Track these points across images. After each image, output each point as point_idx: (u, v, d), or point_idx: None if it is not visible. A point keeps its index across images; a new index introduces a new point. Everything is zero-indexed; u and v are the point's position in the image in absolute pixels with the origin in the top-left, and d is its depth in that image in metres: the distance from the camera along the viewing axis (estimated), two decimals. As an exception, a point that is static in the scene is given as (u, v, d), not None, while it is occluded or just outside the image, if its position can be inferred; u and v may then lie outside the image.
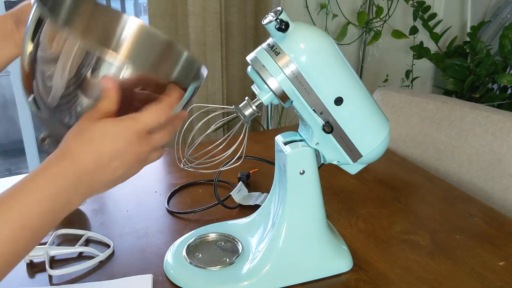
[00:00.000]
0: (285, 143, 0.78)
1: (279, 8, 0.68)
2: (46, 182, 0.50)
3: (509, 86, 2.06)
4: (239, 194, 1.00)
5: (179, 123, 0.59)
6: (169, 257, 0.83)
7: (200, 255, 0.83)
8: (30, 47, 0.57)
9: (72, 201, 0.52)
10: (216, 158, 0.75)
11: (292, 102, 0.72)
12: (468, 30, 2.24)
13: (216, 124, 0.81)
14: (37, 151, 2.12)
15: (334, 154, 0.77)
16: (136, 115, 0.54)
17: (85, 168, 0.52)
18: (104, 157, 0.52)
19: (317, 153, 0.77)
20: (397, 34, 2.08)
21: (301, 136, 0.79)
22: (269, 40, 0.71)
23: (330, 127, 0.73)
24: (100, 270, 0.82)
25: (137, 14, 3.40)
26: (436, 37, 2.10)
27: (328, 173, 0.95)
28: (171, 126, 0.58)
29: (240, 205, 1.00)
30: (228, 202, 1.00)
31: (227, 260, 0.81)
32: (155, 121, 0.55)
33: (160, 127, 0.56)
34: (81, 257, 0.85)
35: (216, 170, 0.80)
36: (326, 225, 0.82)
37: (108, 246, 0.87)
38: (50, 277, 0.80)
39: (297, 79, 0.70)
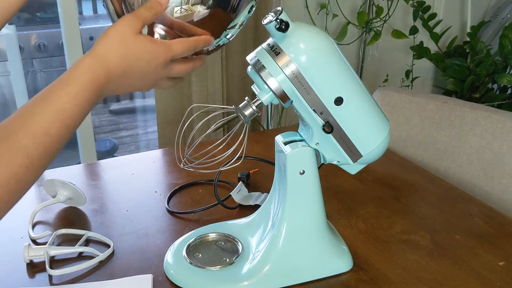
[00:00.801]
0: (285, 143, 0.78)
1: (279, 8, 0.68)
2: (83, 90, 0.57)
3: (509, 86, 2.06)
4: (239, 194, 1.00)
5: (199, 64, 0.67)
6: (169, 257, 0.83)
7: (200, 255, 0.83)
8: None
9: (98, 98, 0.60)
10: (216, 158, 0.75)
11: (292, 102, 0.72)
12: (468, 30, 2.24)
13: (216, 124, 0.81)
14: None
15: (334, 154, 0.77)
16: (169, 43, 0.62)
17: (115, 75, 0.59)
18: (132, 69, 0.60)
19: (317, 153, 0.77)
20: (397, 34, 2.08)
21: (301, 136, 0.79)
22: (269, 40, 0.71)
23: (330, 127, 0.73)
24: (100, 270, 0.82)
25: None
26: (436, 37, 2.10)
27: (328, 173, 0.95)
28: (192, 64, 0.66)
29: (240, 205, 1.00)
30: (228, 202, 1.00)
31: (227, 260, 0.81)
32: (181, 53, 0.63)
33: (183, 61, 0.66)
34: (81, 257, 0.85)
35: (216, 170, 0.80)
36: (326, 225, 0.82)
37: (108, 246, 0.87)
38: (50, 277, 0.80)
39: (297, 79, 0.70)
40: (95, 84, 0.58)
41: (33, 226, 0.94)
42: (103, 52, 0.59)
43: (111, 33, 0.60)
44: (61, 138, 0.55)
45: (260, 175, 1.12)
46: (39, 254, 0.82)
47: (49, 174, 1.08)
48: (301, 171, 0.76)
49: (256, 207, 0.95)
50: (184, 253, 0.82)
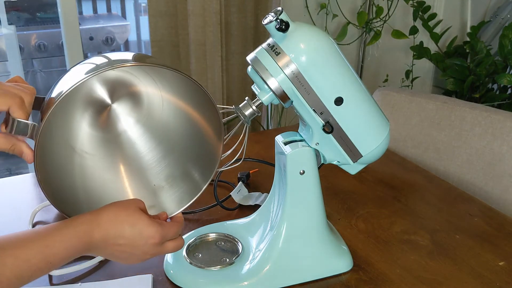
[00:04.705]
0: (285, 143, 0.78)
1: (279, 8, 0.68)
2: (75, 236, 0.60)
3: (509, 86, 2.05)
4: (239, 194, 1.00)
5: (182, 243, 0.70)
6: (169, 257, 0.83)
7: (200, 255, 0.83)
8: None
9: (85, 251, 0.62)
10: (216, 158, 0.75)
11: (292, 102, 0.72)
12: (468, 30, 2.24)
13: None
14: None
15: (334, 154, 0.77)
16: (165, 227, 0.66)
17: (106, 239, 0.62)
18: (123, 240, 0.63)
19: (317, 153, 0.77)
20: (397, 34, 2.08)
21: (301, 136, 0.79)
22: (269, 40, 0.71)
23: (330, 127, 0.73)
24: (100, 270, 0.82)
25: (137, 14, 3.39)
26: (436, 37, 2.09)
27: (328, 173, 0.95)
28: (182, 241, 0.69)
29: (240, 205, 1.00)
30: (228, 202, 1.00)
31: (227, 260, 0.81)
32: (173, 236, 0.67)
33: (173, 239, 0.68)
34: (81, 257, 0.84)
35: (216, 170, 0.80)
36: (326, 225, 0.82)
37: (108, 246, 0.86)
38: (50, 277, 0.80)
39: (297, 79, 0.70)
40: (88, 237, 0.61)
41: (33, 226, 0.94)
42: (103, 213, 0.63)
43: (116, 202, 0.65)
44: (38, 270, 0.58)
45: (260, 175, 1.12)
46: (39, 254, 0.82)
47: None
48: (301, 171, 0.76)
49: (256, 207, 0.95)
50: (184, 253, 0.82)
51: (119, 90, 0.72)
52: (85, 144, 0.72)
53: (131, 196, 0.76)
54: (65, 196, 0.69)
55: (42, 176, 0.63)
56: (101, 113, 0.72)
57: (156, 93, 0.74)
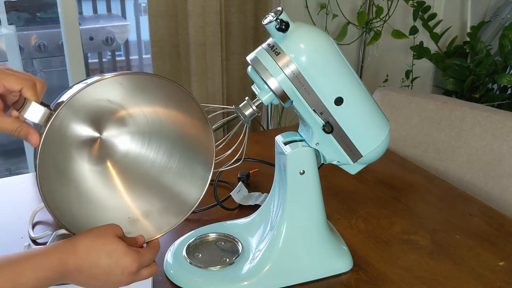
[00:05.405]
0: (285, 143, 0.78)
1: (279, 8, 0.68)
2: (48, 266, 0.59)
3: (509, 86, 2.05)
4: (239, 194, 1.00)
5: (156, 270, 0.69)
6: (169, 257, 0.83)
7: (200, 255, 0.83)
8: None
9: (59, 280, 0.61)
10: (216, 158, 0.75)
11: (292, 102, 0.72)
12: (468, 30, 2.24)
13: (216, 124, 0.81)
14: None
15: (334, 154, 0.77)
16: (142, 254, 0.65)
17: (81, 269, 0.61)
18: (99, 269, 0.62)
19: (317, 153, 0.77)
20: (397, 34, 2.08)
21: (301, 136, 0.79)
22: (269, 40, 0.71)
23: (330, 127, 0.73)
24: (100, 270, 0.82)
25: (137, 14, 3.39)
26: (436, 37, 2.09)
27: (328, 173, 0.95)
28: (155, 267, 0.69)
29: (240, 205, 1.00)
30: (228, 202, 1.00)
31: (227, 260, 0.81)
32: (149, 262, 0.67)
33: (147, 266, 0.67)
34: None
35: (216, 170, 0.80)
36: (326, 225, 0.82)
37: (108, 246, 0.86)
38: (50, 277, 0.80)
39: (297, 79, 0.70)
40: (62, 267, 0.60)
41: (33, 226, 0.94)
42: (79, 240, 0.62)
43: (94, 229, 0.64)
44: None
45: (260, 175, 1.12)
46: (39, 254, 0.82)
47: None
48: (301, 171, 0.76)
49: (256, 207, 0.95)
50: (184, 253, 0.82)
51: (101, 120, 0.70)
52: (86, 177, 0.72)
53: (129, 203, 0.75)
54: (60, 197, 0.68)
55: (41, 173, 0.62)
56: (94, 146, 0.70)
57: (137, 110, 0.72)
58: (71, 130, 0.67)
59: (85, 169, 0.70)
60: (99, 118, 0.69)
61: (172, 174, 0.75)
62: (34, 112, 0.60)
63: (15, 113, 0.61)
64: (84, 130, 0.69)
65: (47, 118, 0.60)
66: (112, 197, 0.73)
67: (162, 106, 0.73)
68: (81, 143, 0.69)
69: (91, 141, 0.70)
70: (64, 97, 0.62)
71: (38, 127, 0.62)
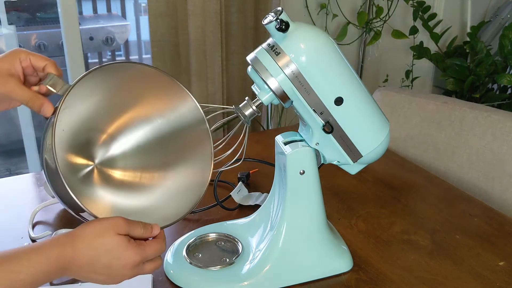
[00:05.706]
0: (285, 143, 0.78)
1: (279, 8, 0.68)
2: (45, 262, 0.58)
3: (509, 86, 2.05)
4: (239, 194, 1.00)
5: (160, 264, 0.68)
6: (169, 257, 0.83)
7: (200, 255, 0.83)
8: None
9: (58, 275, 0.61)
10: (216, 158, 0.75)
11: (292, 102, 0.72)
12: (468, 30, 2.24)
13: (216, 124, 0.81)
14: (37, 151, 2.12)
15: (334, 154, 0.77)
16: (143, 247, 0.63)
17: (81, 260, 0.60)
18: (99, 264, 0.61)
19: (317, 153, 0.77)
20: (397, 34, 2.08)
21: (301, 136, 0.79)
22: (269, 40, 0.71)
23: (330, 127, 0.73)
24: (100, 270, 0.82)
25: (137, 14, 3.39)
26: (436, 37, 2.09)
27: (328, 173, 0.95)
28: (160, 261, 0.67)
29: (240, 205, 1.00)
30: (228, 202, 1.00)
31: (227, 260, 0.81)
32: (153, 256, 0.65)
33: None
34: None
35: (216, 170, 0.80)
36: (326, 225, 0.82)
37: (108, 246, 0.86)
38: (50, 277, 0.80)
39: (297, 79, 0.70)
40: (59, 262, 0.59)
41: (33, 226, 0.94)
42: (78, 236, 0.61)
43: (94, 223, 0.62)
44: None
45: (260, 175, 1.12)
46: (39, 254, 0.82)
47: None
48: (301, 171, 0.76)
49: (256, 207, 0.95)
50: (184, 253, 0.82)
51: (90, 149, 0.71)
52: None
53: None
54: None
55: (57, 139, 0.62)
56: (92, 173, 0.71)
57: (133, 115, 0.72)
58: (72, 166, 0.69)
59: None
60: (88, 147, 0.70)
61: (171, 174, 0.75)
62: (54, 82, 0.64)
63: (35, 87, 0.65)
64: (79, 161, 0.69)
65: (66, 90, 0.63)
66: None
67: (157, 106, 0.73)
68: (85, 177, 0.70)
69: (90, 172, 0.70)
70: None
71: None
